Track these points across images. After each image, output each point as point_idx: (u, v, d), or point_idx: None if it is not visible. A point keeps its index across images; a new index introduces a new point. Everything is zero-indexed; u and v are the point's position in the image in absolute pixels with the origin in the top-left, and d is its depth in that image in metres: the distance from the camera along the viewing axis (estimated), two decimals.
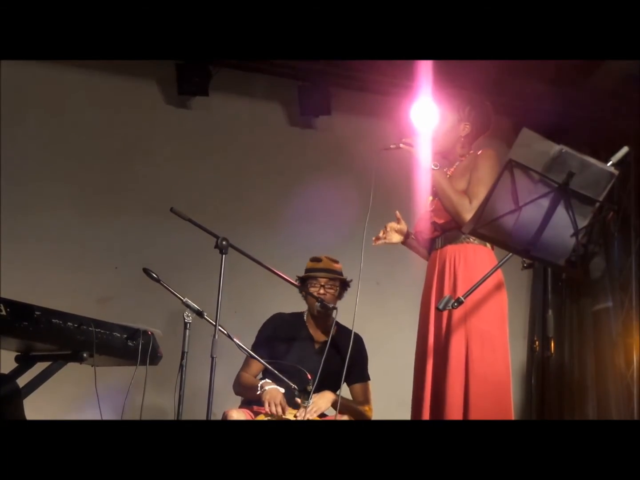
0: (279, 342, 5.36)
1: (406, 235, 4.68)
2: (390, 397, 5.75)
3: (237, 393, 5.38)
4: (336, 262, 5.49)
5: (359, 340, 5.42)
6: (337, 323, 5.39)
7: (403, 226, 4.65)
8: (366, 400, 5.40)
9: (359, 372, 5.41)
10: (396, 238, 4.67)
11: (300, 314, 5.53)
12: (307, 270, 5.45)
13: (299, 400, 4.91)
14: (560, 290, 7.64)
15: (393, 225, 4.65)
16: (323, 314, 5.36)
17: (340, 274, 5.46)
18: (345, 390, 5.42)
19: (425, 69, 5.46)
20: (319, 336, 5.45)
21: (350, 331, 5.18)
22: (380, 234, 4.66)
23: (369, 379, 5.43)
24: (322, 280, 5.38)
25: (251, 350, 5.21)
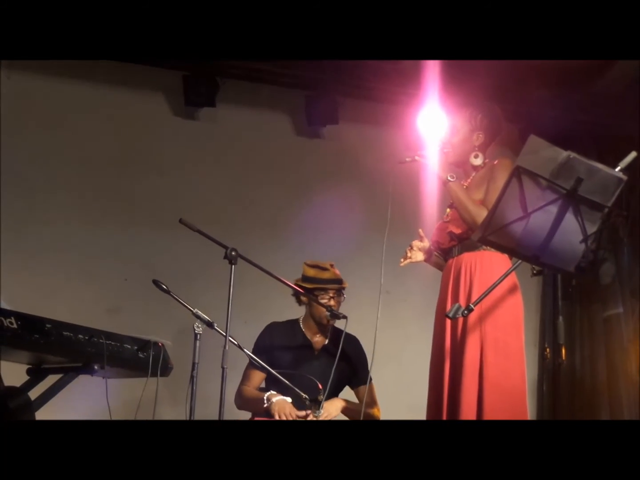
0: (277, 350, 5.33)
1: (428, 253, 4.67)
2: (400, 405, 5.75)
3: (239, 407, 5.34)
4: (333, 266, 5.48)
5: (356, 342, 5.42)
6: (335, 328, 5.40)
7: (426, 243, 4.63)
8: (373, 402, 5.40)
9: (362, 374, 5.39)
10: (420, 256, 4.65)
11: (295, 321, 5.51)
12: (311, 279, 5.39)
13: (308, 411, 4.92)
14: (570, 296, 7.62)
15: (417, 243, 4.63)
16: (330, 322, 5.37)
17: (342, 280, 5.46)
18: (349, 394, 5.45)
19: (431, 76, 5.47)
20: (316, 342, 5.44)
21: (349, 335, 5.18)
22: (408, 253, 4.64)
23: (371, 379, 5.42)
24: (331, 292, 5.38)
25: (249, 360, 5.22)
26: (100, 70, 6.83)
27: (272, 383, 5.20)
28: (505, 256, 4.36)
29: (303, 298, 5.40)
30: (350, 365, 5.33)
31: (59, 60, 6.37)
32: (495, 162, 4.43)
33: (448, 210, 4.58)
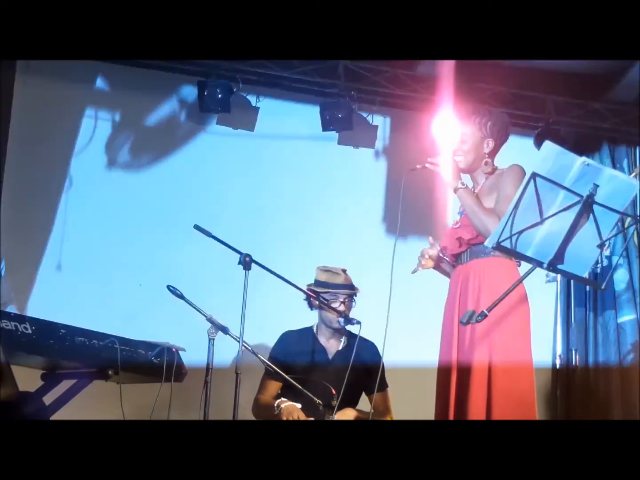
0: (292, 358, 5.33)
1: (438, 260, 4.66)
2: (413, 411, 5.75)
3: (256, 416, 5.31)
4: (346, 272, 5.49)
5: (373, 347, 5.40)
6: (350, 333, 5.40)
7: (436, 251, 4.63)
8: (387, 409, 5.39)
9: (376, 381, 5.39)
10: (431, 264, 4.65)
11: (309, 329, 5.51)
12: (323, 283, 5.39)
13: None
14: (584, 303, 7.61)
15: (427, 250, 4.63)
16: (342, 327, 5.37)
17: (354, 286, 5.47)
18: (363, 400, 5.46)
19: (446, 82, 5.47)
20: (330, 347, 5.44)
21: (367, 341, 5.17)
22: (422, 261, 4.63)
23: (388, 386, 5.40)
24: (342, 297, 5.38)
25: (266, 369, 5.23)
26: (115, 76, 6.87)
27: (287, 391, 5.20)
28: (513, 263, 4.37)
29: (315, 302, 5.41)
30: (366, 371, 5.31)
31: (74, 66, 6.43)
32: (505, 169, 4.43)
33: (458, 216, 4.59)
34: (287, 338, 5.47)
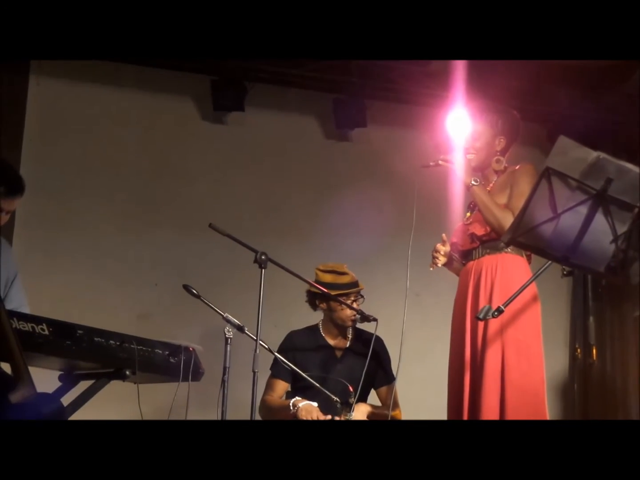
0: (300, 357, 5.32)
1: (449, 257, 4.66)
2: (430, 409, 5.75)
3: (264, 417, 5.25)
4: (347, 268, 5.49)
5: (381, 342, 5.40)
6: (357, 328, 5.40)
7: (448, 248, 4.64)
8: (396, 404, 5.38)
9: (383, 375, 5.41)
10: (444, 260, 4.65)
11: (315, 327, 5.52)
12: (331, 285, 5.35)
13: (336, 417, 4.92)
14: (600, 296, 7.59)
15: (441, 247, 4.63)
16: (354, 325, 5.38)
17: (359, 282, 5.47)
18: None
19: (460, 77, 5.46)
20: (338, 345, 5.45)
21: (371, 334, 5.17)
22: (439, 257, 4.62)
23: (394, 379, 5.40)
24: (352, 296, 5.38)
25: (273, 370, 5.23)
26: (128, 76, 6.89)
27: (299, 390, 5.20)
28: (524, 259, 4.39)
29: (321, 304, 5.40)
30: (375, 365, 5.32)
31: (87, 67, 6.46)
32: (517, 167, 4.47)
33: (468, 213, 4.60)
34: (293, 337, 5.46)
